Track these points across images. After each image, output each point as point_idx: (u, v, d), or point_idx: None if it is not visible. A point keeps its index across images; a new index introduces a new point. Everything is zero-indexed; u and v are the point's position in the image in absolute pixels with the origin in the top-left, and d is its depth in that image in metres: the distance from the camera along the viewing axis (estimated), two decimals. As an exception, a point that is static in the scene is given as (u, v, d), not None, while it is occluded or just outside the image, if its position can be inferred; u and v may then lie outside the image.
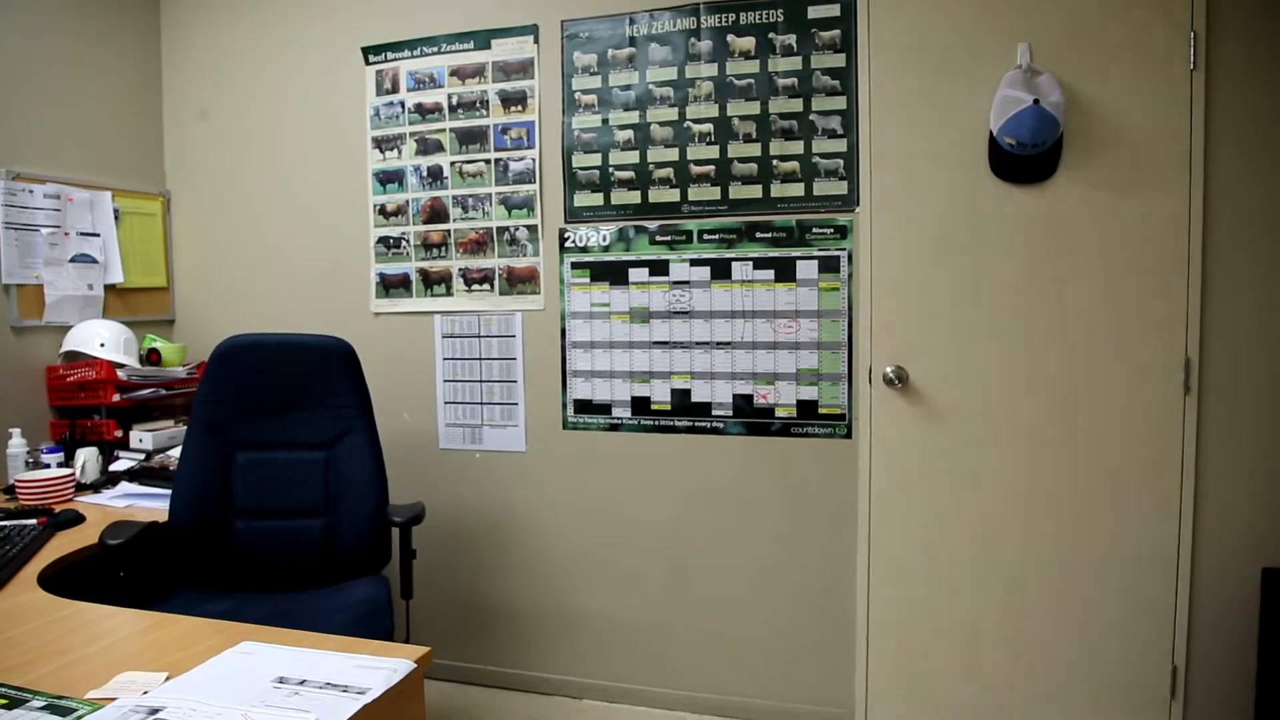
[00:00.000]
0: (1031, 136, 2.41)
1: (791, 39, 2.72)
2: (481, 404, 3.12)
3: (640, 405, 2.95)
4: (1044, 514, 2.55)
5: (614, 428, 2.99)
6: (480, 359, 3.11)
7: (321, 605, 2.31)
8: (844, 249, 2.72)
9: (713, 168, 2.84)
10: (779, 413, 2.83)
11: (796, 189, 2.76)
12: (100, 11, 3.28)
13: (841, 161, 2.70)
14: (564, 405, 3.04)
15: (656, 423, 2.94)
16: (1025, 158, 2.46)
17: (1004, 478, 2.59)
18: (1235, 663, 2.46)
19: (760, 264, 2.81)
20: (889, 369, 2.65)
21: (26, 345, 2.99)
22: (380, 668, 1.34)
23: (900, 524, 2.69)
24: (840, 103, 2.69)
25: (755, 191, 2.80)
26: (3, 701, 1.26)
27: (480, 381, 3.11)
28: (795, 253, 2.77)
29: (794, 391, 2.81)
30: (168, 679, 1.32)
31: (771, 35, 2.74)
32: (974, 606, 2.64)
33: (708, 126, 2.84)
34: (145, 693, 1.27)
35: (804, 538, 2.83)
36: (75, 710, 1.22)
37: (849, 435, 2.76)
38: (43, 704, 1.24)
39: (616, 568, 3.03)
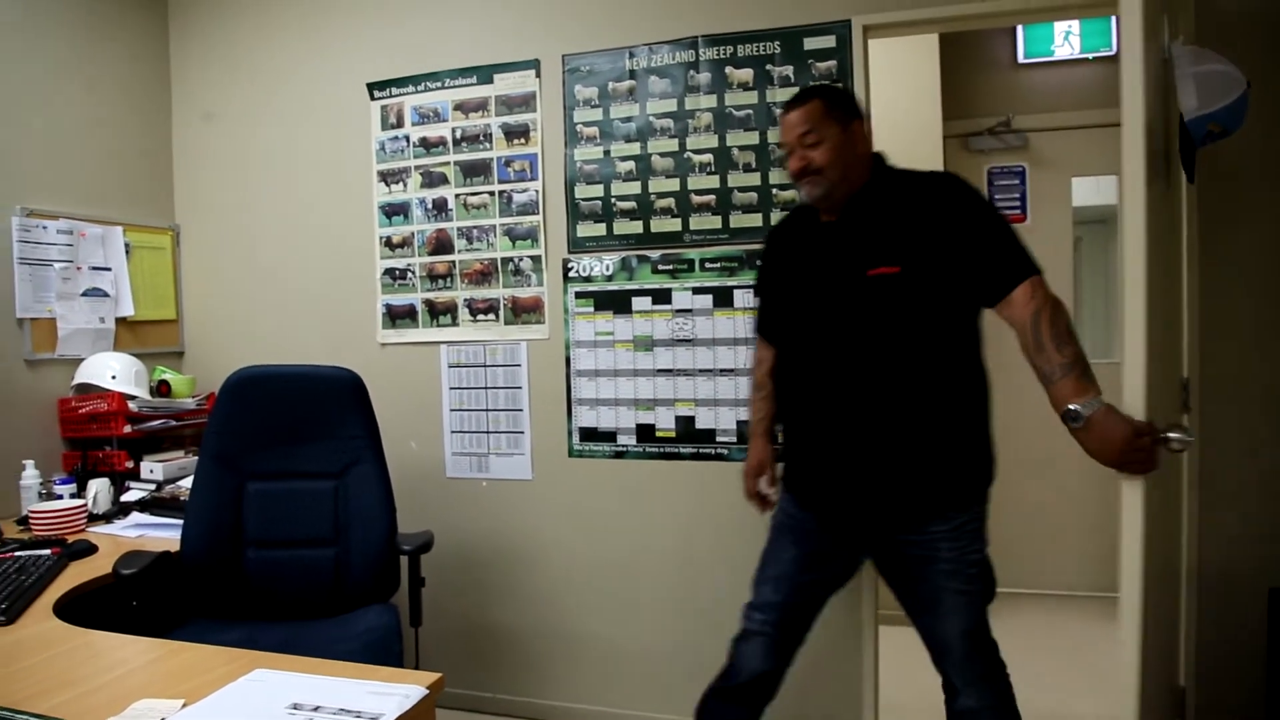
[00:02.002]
0: (1237, 123, 2.07)
1: (789, 70, 2.77)
2: (488, 433, 3.14)
3: (645, 432, 2.98)
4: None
5: (619, 455, 3.01)
6: (486, 388, 3.15)
7: (332, 633, 2.33)
8: (844, 275, 2.75)
9: (714, 197, 2.88)
10: (783, 439, 2.85)
11: (797, 217, 2.80)
12: (110, 51, 3.35)
13: (841, 189, 2.74)
14: (569, 433, 3.06)
15: (661, 450, 2.96)
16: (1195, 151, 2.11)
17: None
18: (1243, 683, 2.47)
19: (762, 291, 2.84)
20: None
21: (40, 378, 3.03)
22: (393, 694, 1.36)
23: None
24: (838, 132, 2.74)
25: (756, 220, 2.84)
26: (23, 729, 1.28)
27: (486, 410, 3.15)
28: (796, 279, 2.80)
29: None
30: (184, 705, 1.34)
31: (769, 66, 2.80)
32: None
33: (708, 157, 2.88)
34: (163, 719, 1.29)
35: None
36: (94, 737, 1.24)
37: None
38: (62, 731, 1.27)
39: (624, 594, 3.04)
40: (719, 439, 2.90)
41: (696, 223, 2.90)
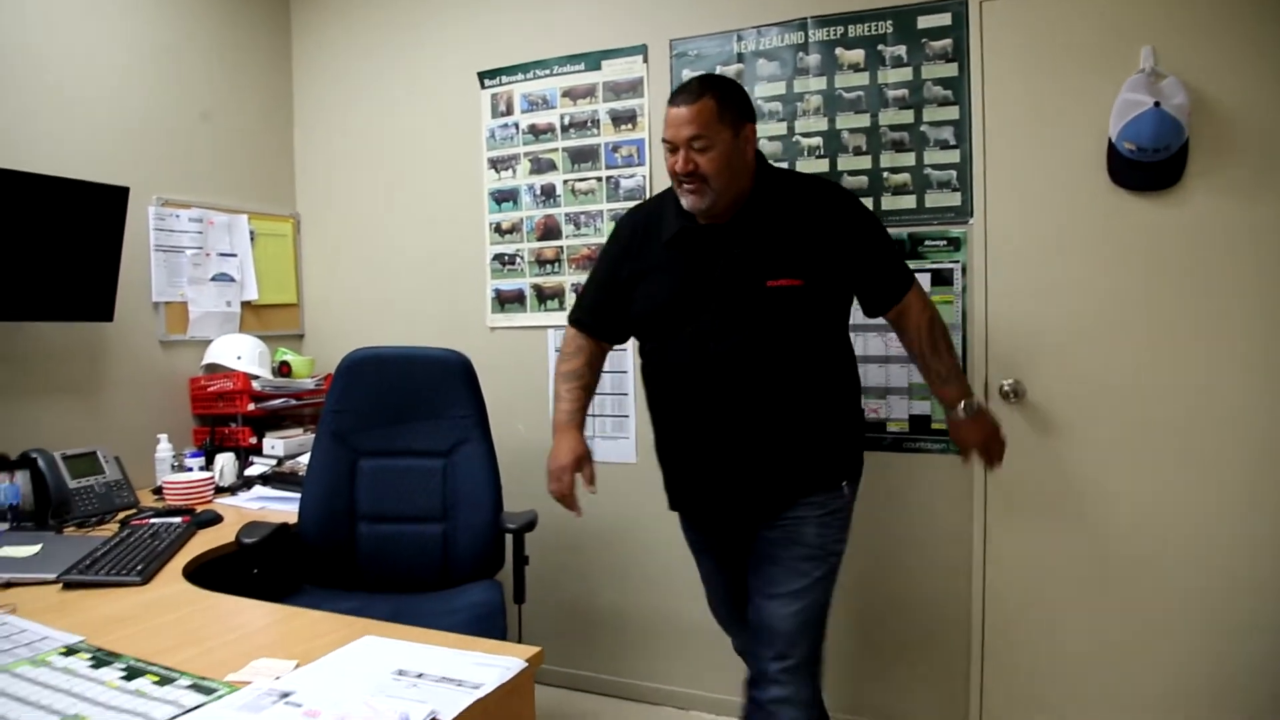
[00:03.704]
0: (1153, 141, 2.33)
1: (901, 50, 2.70)
2: (594, 416, 3.16)
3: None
4: (1172, 533, 2.45)
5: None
6: (591, 372, 3.16)
7: (438, 607, 2.39)
8: (957, 261, 2.67)
9: (822, 181, 2.83)
10: (890, 427, 2.79)
11: (908, 201, 2.73)
12: (236, 49, 3.51)
13: (954, 173, 2.66)
14: (673, 418, 3.06)
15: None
16: (1147, 164, 2.38)
17: (1128, 494, 2.50)
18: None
19: (870, 277, 2.78)
20: (1005, 383, 2.60)
21: (173, 358, 3.20)
22: (494, 665, 1.39)
23: (1016, 543, 2.62)
24: (953, 113, 2.66)
25: (866, 205, 2.77)
26: (155, 679, 1.36)
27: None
28: (910, 265, 2.72)
29: (906, 406, 2.77)
30: (297, 666, 1.39)
31: (881, 47, 2.73)
32: (1095, 631, 2.54)
33: (817, 140, 2.84)
34: (277, 678, 1.34)
35: (914, 555, 2.77)
36: (216, 690, 1.30)
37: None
38: (189, 683, 1.34)
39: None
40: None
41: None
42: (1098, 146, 2.45)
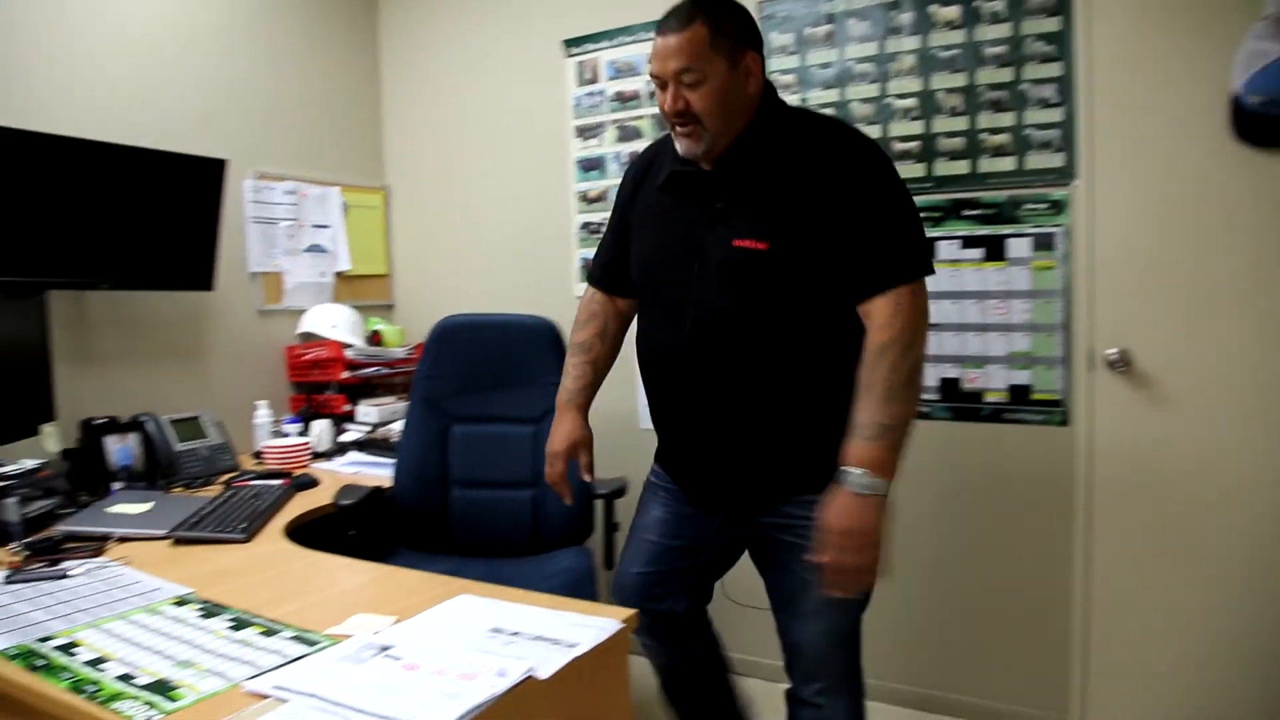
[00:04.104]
0: None
1: (1000, 5, 2.59)
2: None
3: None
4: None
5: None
6: (678, 340, 3.14)
7: (529, 572, 2.41)
8: (1060, 225, 2.57)
9: (917, 144, 2.75)
10: (988, 398, 2.71)
11: (1007, 163, 2.63)
12: (325, 22, 3.56)
13: (1057, 132, 2.55)
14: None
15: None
16: (1278, 118, 2.23)
17: (1239, 466, 2.37)
18: None
19: (968, 242, 2.70)
20: (1111, 352, 2.49)
21: (269, 327, 3.29)
22: (589, 626, 1.39)
23: (1121, 516, 2.53)
24: (1055, 69, 2.54)
25: (962, 167, 2.69)
26: (260, 630, 1.40)
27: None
28: (1006, 230, 2.64)
29: (1005, 376, 2.68)
30: (396, 622, 1.42)
31: (977, 3, 2.62)
32: (1204, 606, 2.44)
33: (911, 101, 2.75)
34: (376, 633, 1.37)
35: (1014, 528, 2.69)
36: (318, 643, 1.33)
37: (1065, 423, 2.60)
38: (292, 635, 1.37)
39: (813, 552, 2.98)
40: (922, 396, 2.78)
41: (900, 171, 2.77)
42: (1218, 101, 2.32)
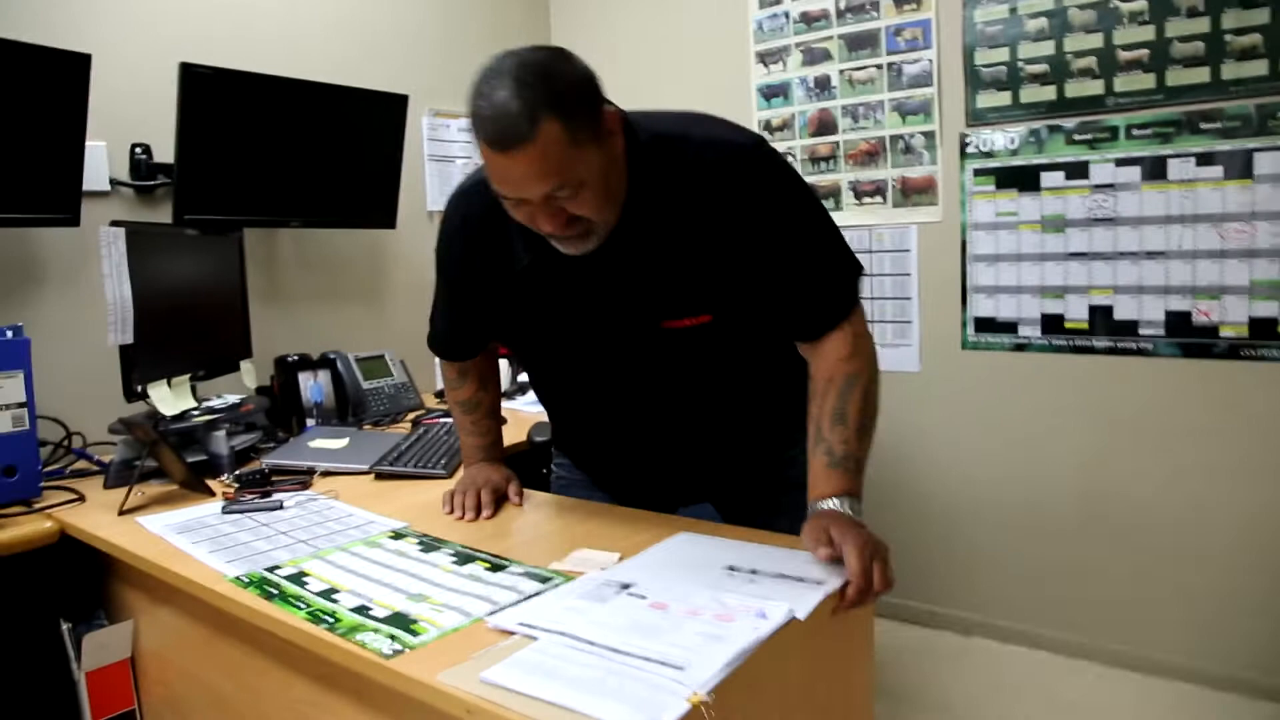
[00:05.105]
0: None
1: (1254, -116, 2.28)
2: (873, 321, 2.96)
3: (1051, 323, 2.68)
4: None
5: (1020, 348, 2.74)
6: (871, 275, 2.97)
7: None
8: (1321, 136, 2.26)
9: (1146, 52, 2.47)
10: (1224, 332, 2.44)
11: (1257, 67, 2.32)
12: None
13: (1321, 29, 2.24)
14: (964, 324, 2.83)
15: (1070, 343, 2.65)
16: None
17: None
18: None
19: (1205, 160, 2.42)
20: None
21: (447, 267, 3.27)
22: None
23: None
24: (1320, -46, 2.22)
25: (1201, 75, 2.40)
26: (486, 565, 1.34)
27: (871, 299, 2.97)
28: (1252, 144, 2.35)
29: (1245, 308, 2.40)
30: (621, 559, 1.34)
31: (1227, -116, 2.32)
32: None
33: (1140, 4, 2.46)
34: (602, 569, 1.29)
35: (1253, 477, 2.43)
36: (550, 579, 1.26)
37: (1319, 359, 2.32)
38: (521, 571, 1.31)
39: (1017, 501, 2.79)
40: (1142, 331, 2.54)
41: (1123, 83, 2.50)
42: None
